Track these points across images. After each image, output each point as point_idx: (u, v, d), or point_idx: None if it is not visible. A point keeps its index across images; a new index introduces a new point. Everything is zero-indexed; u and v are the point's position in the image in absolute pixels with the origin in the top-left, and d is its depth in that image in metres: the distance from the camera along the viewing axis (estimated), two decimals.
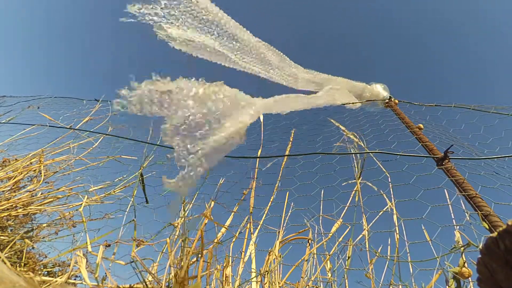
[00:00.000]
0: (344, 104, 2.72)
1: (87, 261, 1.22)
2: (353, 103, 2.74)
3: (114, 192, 1.93)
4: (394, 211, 1.53)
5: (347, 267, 1.43)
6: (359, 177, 1.82)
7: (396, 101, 2.62)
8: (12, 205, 1.63)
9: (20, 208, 1.67)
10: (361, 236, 1.53)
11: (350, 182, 1.79)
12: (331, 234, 1.57)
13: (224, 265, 1.42)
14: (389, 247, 1.45)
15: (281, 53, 2.24)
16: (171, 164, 2.20)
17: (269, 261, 1.43)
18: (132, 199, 1.82)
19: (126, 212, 1.74)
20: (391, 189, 1.65)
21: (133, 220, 1.63)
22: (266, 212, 1.72)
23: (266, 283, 1.36)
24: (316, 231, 1.61)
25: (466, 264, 1.14)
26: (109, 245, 1.42)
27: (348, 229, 1.56)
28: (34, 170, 1.90)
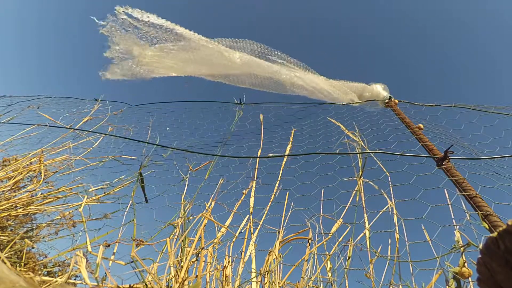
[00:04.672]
0: (345, 104, 2.72)
1: (87, 261, 1.22)
2: (353, 103, 2.74)
3: (113, 191, 1.93)
4: (394, 211, 1.53)
5: (347, 267, 1.43)
6: (360, 177, 1.82)
7: (396, 101, 2.62)
8: (12, 205, 1.63)
9: (20, 208, 1.67)
10: (361, 236, 1.53)
11: (351, 178, 1.79)
12: (331, 234, 1.57)
13: (224, 265, 1.42)
14: (389, 247, 1.45)
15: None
16: (169, 164, 2.20)
17: (269, 261, 1.43)
18: (131, 199, 1.82)
19: (125, 212, 1.74)
20: (391, 189, 1.65)
21: (133, 220, 1.64)
22: (266, 212, 1.72)
23: (266, 283, 1.35)
24: (316, 231, 1.61)
25: (466, 264, 1.14)
26: (109, 245, 1.42)
27: (348, 229, 1.56)
28: (34, 170, 1.90)
